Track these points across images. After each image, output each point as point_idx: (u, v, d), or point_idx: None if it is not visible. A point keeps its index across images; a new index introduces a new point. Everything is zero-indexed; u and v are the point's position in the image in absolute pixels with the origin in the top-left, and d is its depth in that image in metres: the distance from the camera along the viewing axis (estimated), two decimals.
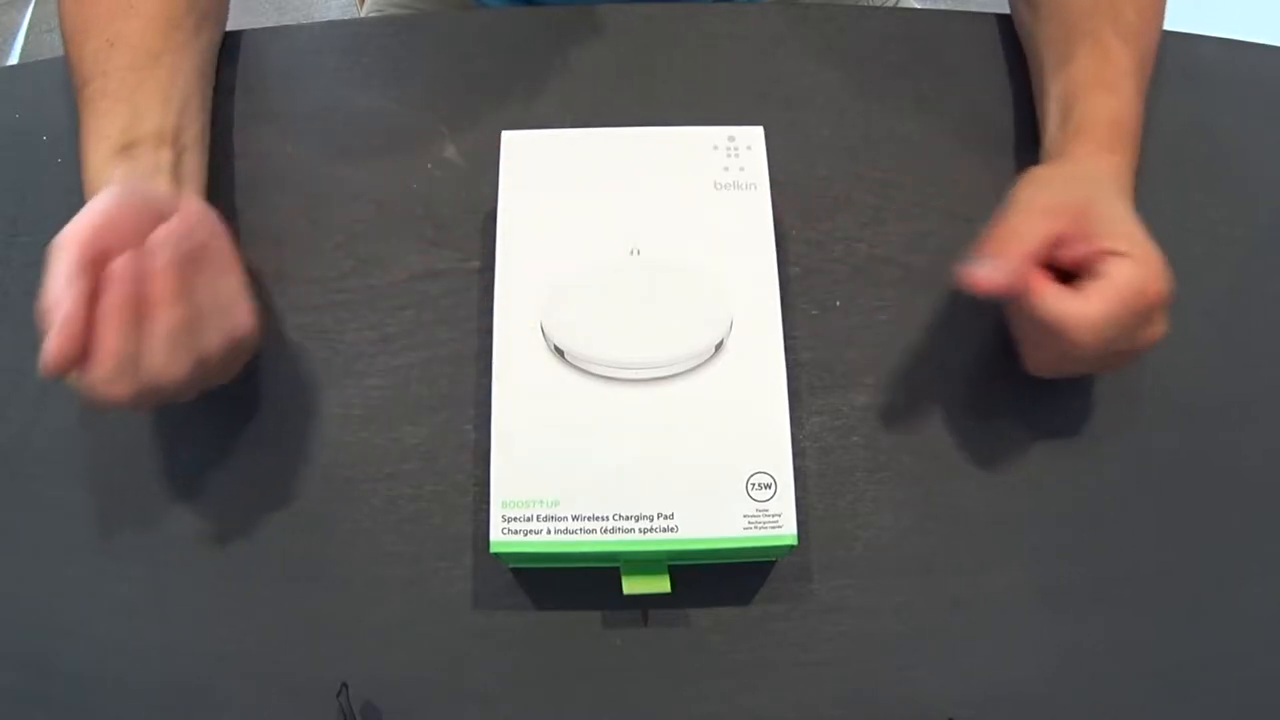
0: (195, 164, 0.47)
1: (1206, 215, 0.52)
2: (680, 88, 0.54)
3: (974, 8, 0.56)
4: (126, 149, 0.44)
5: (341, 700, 0.41)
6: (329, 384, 0.47)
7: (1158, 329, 0.42)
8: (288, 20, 1.50)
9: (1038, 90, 0.51)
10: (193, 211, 0.41)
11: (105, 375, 0.37)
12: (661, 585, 0.41)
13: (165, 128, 0.46)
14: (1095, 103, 0.46)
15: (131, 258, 0.38)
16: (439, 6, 0.71)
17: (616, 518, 0.40)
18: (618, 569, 0.41)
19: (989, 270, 0.40)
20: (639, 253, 0.44)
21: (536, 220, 0.44)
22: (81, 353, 0.37)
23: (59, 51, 0.51)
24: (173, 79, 0.47)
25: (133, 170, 0.44)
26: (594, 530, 0.40)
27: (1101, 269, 0.41)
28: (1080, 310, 0.40)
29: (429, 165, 0.52)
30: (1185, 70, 0.54)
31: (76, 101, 0.47)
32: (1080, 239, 0.41)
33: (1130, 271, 0.40)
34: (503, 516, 0.40)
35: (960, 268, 0.41)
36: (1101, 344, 0.41)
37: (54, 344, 0.36)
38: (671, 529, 0.40)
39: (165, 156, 0.45)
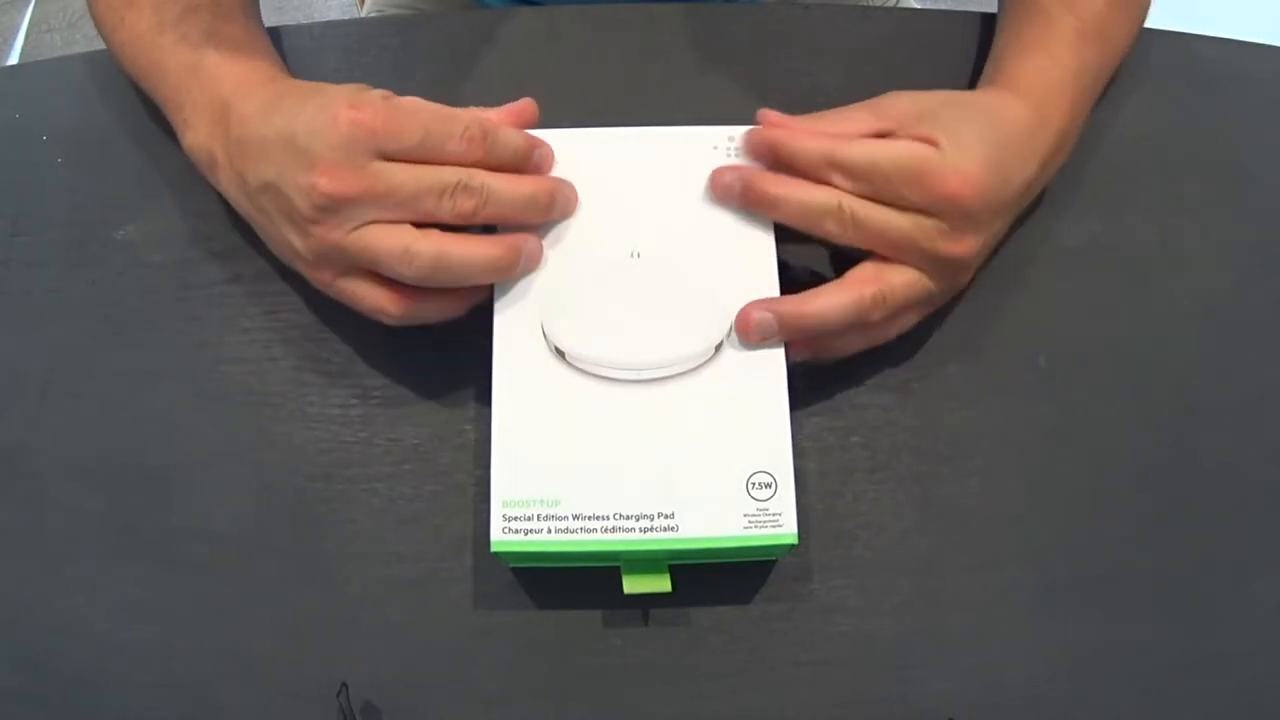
0: None
1: (1205, 215, 0.52)
2: (680, 88, 0.54)
3: (974, 8, 0.56)
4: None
5: (341, 700, 0.41)
6: (328, 384, 0.47)
7: (957, 240, 0.40)
8: (288, 20, 1.50)
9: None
10: None
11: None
12: (662, 585, 0.41)
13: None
14: (1019, 61, 0.45)
15: None
16: (439, 6, 0.71)
17: (617, 517, 0.40)
18: (618, 568, 0.41)
19: (780, 119, 0.42)
20: (639, 253, 0.44)
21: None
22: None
23: (59, 51, 0.51)
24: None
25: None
26: (594, 530, 0.40)
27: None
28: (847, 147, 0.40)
29: None
30: (1184, 70, 0.54)
31: (158, 30, 0.46)
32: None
33: (919, 149, 0.40)
34: (503, 516, 0.40)
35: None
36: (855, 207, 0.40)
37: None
38: (672, 528, 0.40)
39: None
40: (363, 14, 0.76)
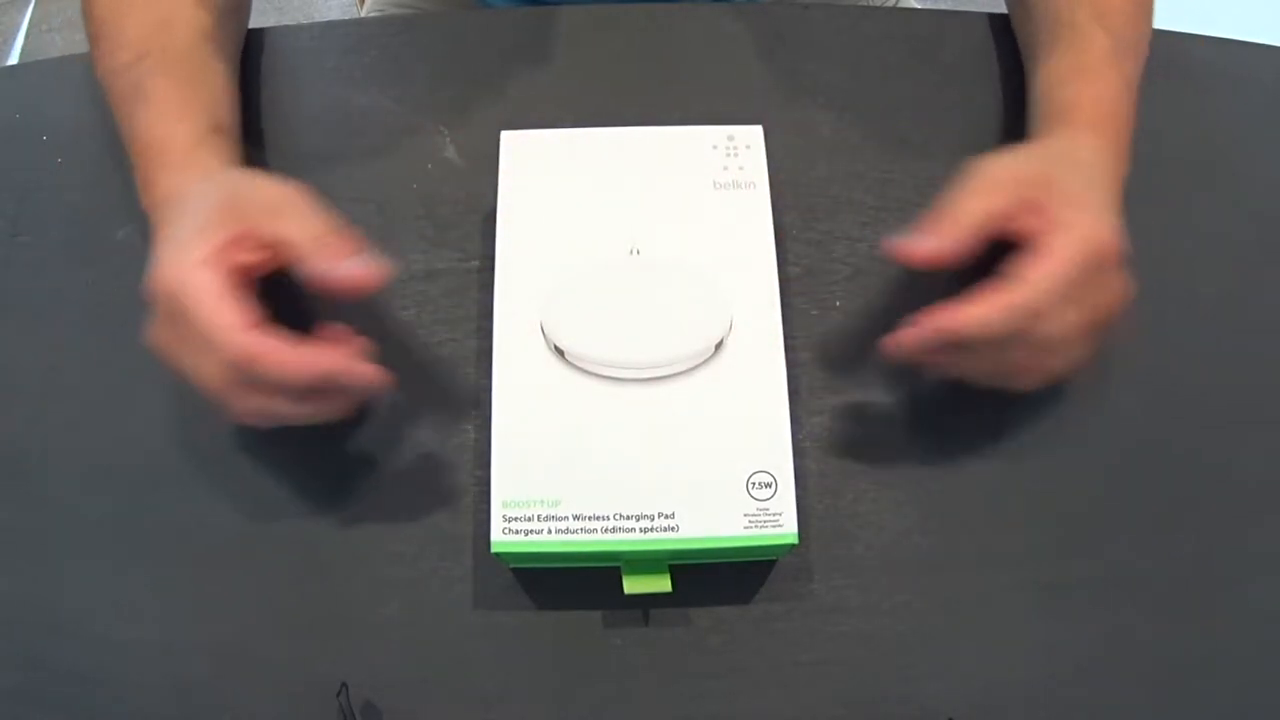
0: (241, 157, 0.48)
1: (1205, 215, 0.52)
2: (680, 88, 0.54)
3: (974, 8, 0.56)
4: (217, 131, 0.46)
5: (341, 700, 0.41)
6: None
7: (1117, 286, 0.41)
8: (288, 20, 1.50)
9: (1028, 87, 0.51)
10: None
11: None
12: (662, 585, 0.41)
13: (233, 120, 0.48)
14: (1072, 89, 0.46)
15: None
16: (439, 6, 0.71)
17: (617, 517, 0.40)
18: (618, 569, 0.41)
19: (923, 240, 0.39)
20: (639, 252, 0.44)
21: (536, 220, 0.44)
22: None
23: (59, 51, 0.51)
24: (229, 68, 0.49)
25: (231, 155, 0.46)
26: (595, 530, 0.40)
27: (1045, 240, 0.39)
28: (1036, 278, 0.38)
29: (429, 165, 0.52)
30: (1182, 70, 0.54)
31: (114, 75, 0.47)
32: (1034, 212, 0.40)
33: (1073, 237, 0.39)
34: (503, 516, 0.40)
35: (892, 240, 0.40)
36: (1061, 306, 0.39)
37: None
38: (672, 528, 0.40)
39: (239, 151, 0.47)
40: (363, 14, 0.76)
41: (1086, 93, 0.46)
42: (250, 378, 0.38)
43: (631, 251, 0.44)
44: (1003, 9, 0.56)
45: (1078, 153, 0.44)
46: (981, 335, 0.39)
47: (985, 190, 0.41)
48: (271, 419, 0.41)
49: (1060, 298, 0.39)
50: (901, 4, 0.72)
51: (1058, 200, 0.40)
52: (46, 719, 0.43)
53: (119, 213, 0.51)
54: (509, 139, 0.46)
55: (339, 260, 0.40)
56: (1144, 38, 0.49)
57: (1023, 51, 0.52)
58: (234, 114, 0.48)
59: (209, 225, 0.40)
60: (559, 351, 0.42)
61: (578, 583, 0.44)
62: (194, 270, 0.38)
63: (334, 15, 1.59)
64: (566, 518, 0.40)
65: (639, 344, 0.42)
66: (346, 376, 0.40)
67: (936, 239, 0.40)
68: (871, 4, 0.70)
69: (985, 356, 0.42)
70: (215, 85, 0.48)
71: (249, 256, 0.40)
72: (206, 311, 0.38)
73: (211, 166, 0.44)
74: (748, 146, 0.46)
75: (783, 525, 0.40)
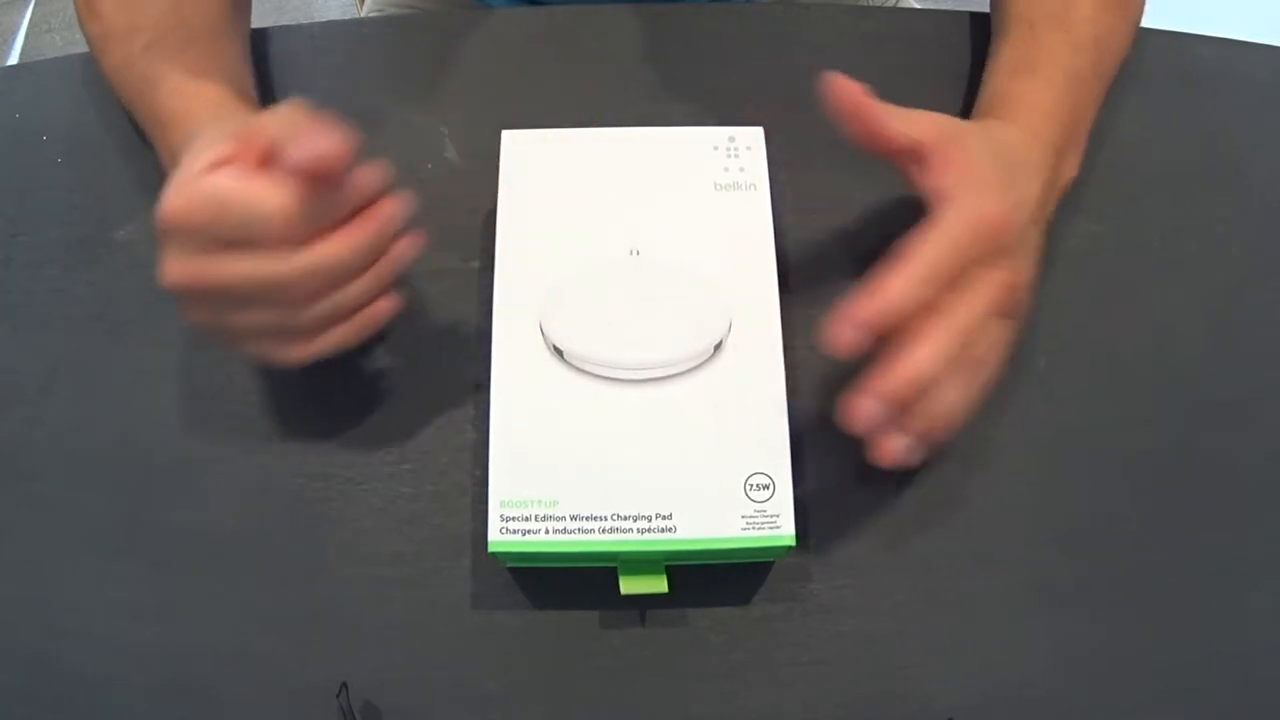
0: None
1: (1205, 215, 0.52)
2: (680, 88, 0.54)
3: (974, 8, 0.56)
4: (241, 96, 0.45)
5: (341, 700, 0.41)
6: (329, 384, 0.47)
7: (1010, 266, 0.39)
8: (287, 20, 1.50)
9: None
10: None
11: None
12: (659, 585, 0.41)
13: (253, 94, 0.48)
14: (1013, 85, 0.45)
15: None
16: (439, 6, 0.71)
17: (615, 518, 0.40)
18: (616, 569, 0.41)
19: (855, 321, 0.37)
20: (638, 253, 0.44)
21: (536, 220, 0.44)
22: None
23: (59, 51, 0.51)
24: (244, 49, 0.50)
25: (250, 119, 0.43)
26: (592, 530, 0.40)
27: (936, 214, 0.38)
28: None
29: (429, 165, 0.52)
30: (1183, 70, 0.54)
31: (129, 61, 0.47)
32: (939, 169, 0.39)
33: (961, 210, 0.38)
34: (501, 516, 0.40)
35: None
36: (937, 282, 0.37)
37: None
38: (670, 529, 0.40)
39: None
40: (363, 14, 0.76)
41: (1026, 89, 0.45)
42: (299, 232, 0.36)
43: (631, 252, 0.44)
44: None
45: (1004, 138, 0.43)
46: (900, 309, 0.37)
47: (912, 118, 0.40)
48: (328, 312, 0.39)
49: (948, 271, 0.37)
50: (901, 4, 0.72)
51: (960, 165, 0.39)
52: (47, 719, 0.43)
53: (119, 213, 0.51)
54: (509, 139, 0.46)
55: (304, 140, 0.35)
56: (1111, 33, 0.48)
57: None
58: (253, 89, 0.48)
59: (212, 144, 0.37)
60: (558, 352, 0.42)
61: (576, 583, 0.44)
62: (203, 176, 0.36)
63: (334, 15, 1.59)
64: (564, 518, 0.40)
65: (638, 345, 0.42)
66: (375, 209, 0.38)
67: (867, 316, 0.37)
68: (871, 4, 0.70)
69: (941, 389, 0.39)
70: (234, 59, 0.48)
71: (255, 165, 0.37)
72: (238, 196, 0.35)
73: (238, 117, 0.43)
74: (748, 148, 0.46)
75: (780, 527, 0.40)
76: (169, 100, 0.45)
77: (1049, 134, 0.44)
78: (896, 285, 0.37)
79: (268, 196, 0.35)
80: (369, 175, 0.38)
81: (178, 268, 0.37)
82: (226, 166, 0.36)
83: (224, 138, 0.37)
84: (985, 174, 0.40)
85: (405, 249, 0.41)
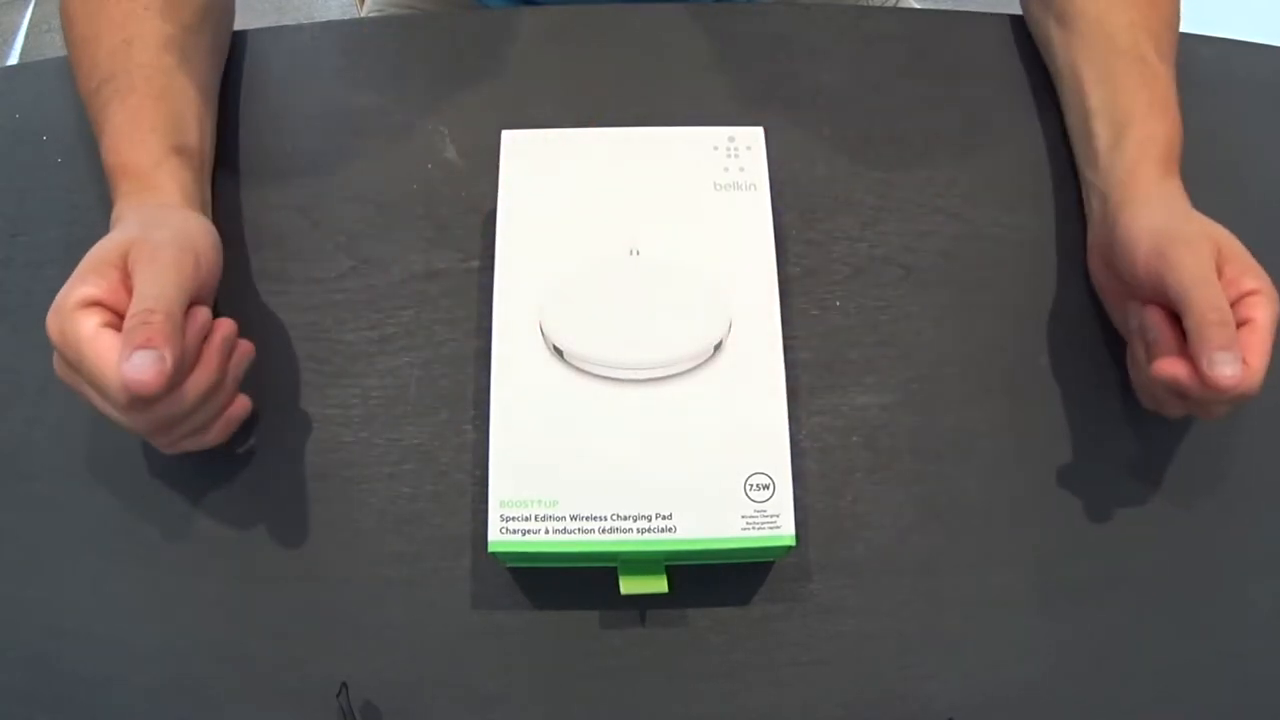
0: (208, 174, 0.49)
1: (1205, 214, 0.51)
2: (680, 88, 0.54)
3: (974, 8, 0.56)
4: (177, 153, 0.46)
5: (341, 700, 0.41)
6: (328, 384, 0.48)
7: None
8: (288, 20, 1.50)
9: (1074, 104, 0.51)
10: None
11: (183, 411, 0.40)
12: (659, 585, 0.41)
13: (199, 137, 0.48)
14: (1152, 128, 0.48)
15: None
16: (439, 6, 0.71)
17: (615, 518, 0.40)
18: (616, 569, 0.41)
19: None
20: (638, 253, 0.44)
21: (536, 220, 0.44)
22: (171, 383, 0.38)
23: (59, 51, 0.51)
24: (196, 85, 0.48)
25: (189, 178, 0.46)
26: (592, 530, 0.40)
27: (1244, 313, 0.40)
28: (1251, 374, 0.39)
29: (429, 165, 0.52)
30: (1185, 71, 0.54)
31: (89, 99, 0.47)
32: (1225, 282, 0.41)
33: (1268, 309, 0.41)
34: (501, 516, 0.40)
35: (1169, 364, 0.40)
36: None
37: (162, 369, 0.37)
38: (669, 529, 0.40)
39: (204, 170, 0.48)
40: (363, 14, 0.76)
41: (1163, 131, 0.48)
42: (138, 405, 0.38)
43: (631, 252, 0.44)
44: (1001, 9, 0.56)
45: (1184, 201, 0.46)
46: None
47: (1206, 281, 0.41)
48: (180, 440, 0.42)
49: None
50: (901, 4, 0.72)
51: (1234, 264, 0.42)
52: (46, 719, 0.43)
53: None
54: (509, 139, 0.46)
55: (129, 350, 0.36)
56: (1174, 47, 0.52)
57: (1067, 69, 0.51)
58: (200, 132, 0.48)
59: (101, 264, 0.40)
60: (558, 352, 0.42)
61: (576, 583, 0.44)
62: (72, 315, 0.38)
63: (334, 15, 1.59)
64: (564, 518, 0.40)
65: (638, 345, 0.42)
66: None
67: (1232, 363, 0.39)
68: (871, 4, 0.70)
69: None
70: (176, 106, 0.47)
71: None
72: (89, 356, 0.38)
73: (165, 191, 0.44)
74: (748, 148, 0.46)
75: (780, 527, 0.40)
76: (107, 155, 0.46)
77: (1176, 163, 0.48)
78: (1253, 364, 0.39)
79: (112, 375, 0.37)
80: (201, 318, 0.41)
81: (58, 367, 0.40)
82: (95, 309, 0.39)
83: (104, 267, 0.39)
84: (1245, 257, 0.43)
85: (242, 358, 0.44)
